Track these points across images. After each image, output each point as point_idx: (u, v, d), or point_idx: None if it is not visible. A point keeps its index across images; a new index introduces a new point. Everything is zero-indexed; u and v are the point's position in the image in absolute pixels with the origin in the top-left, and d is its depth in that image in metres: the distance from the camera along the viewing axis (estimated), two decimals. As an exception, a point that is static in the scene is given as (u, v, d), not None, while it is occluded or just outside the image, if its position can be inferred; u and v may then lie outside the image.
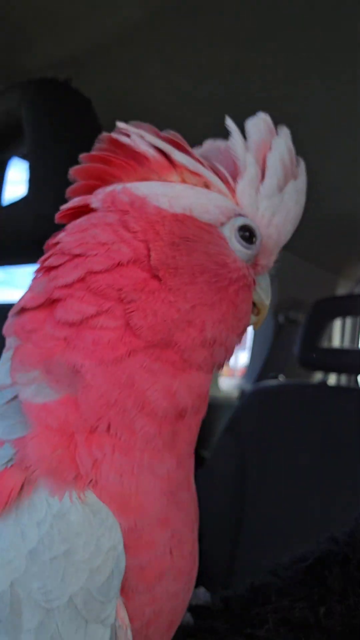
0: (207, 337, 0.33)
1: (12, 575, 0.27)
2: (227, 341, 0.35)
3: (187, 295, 0.32)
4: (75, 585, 0.27)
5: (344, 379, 1.93)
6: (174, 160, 0.35)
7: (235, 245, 0.35)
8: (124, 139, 0.36)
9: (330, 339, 1.96)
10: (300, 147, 0.42)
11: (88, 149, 0.83)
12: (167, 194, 0.34)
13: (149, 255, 0.32)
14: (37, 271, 0.36)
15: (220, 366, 0.35)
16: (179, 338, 0.32)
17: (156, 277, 0.32)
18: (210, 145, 0.39)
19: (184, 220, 0.33)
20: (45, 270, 0.35)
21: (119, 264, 0.32)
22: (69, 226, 0.36)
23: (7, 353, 0.35)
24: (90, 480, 0.30)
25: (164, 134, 0.37)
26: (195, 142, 1.37)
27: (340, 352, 1.62)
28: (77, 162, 0.81)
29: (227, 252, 0.34)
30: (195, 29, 0.94)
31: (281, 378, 1.65)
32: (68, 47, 1.03)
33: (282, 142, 0.37)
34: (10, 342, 0.34)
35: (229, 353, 0.36)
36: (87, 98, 0.83)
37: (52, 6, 0.93)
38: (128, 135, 0.36)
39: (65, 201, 0.78)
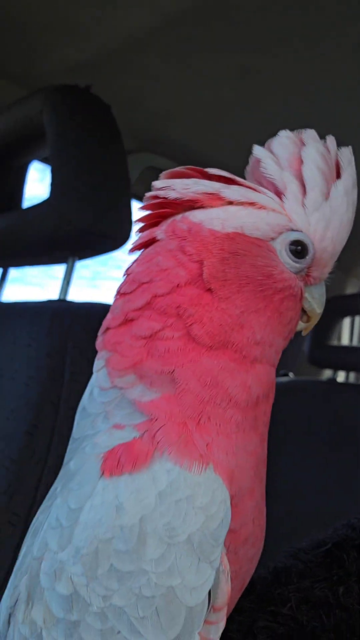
0: (257, 338, 0.37)
1: (142, 512, 0.32)
2: (274, 343, 0.38)
3: (237, 303, 0.37)
4: (193, 526, 0.32)
5: (352, 376, 1.95)
6: (223, 197, 0.38)
7: (285, 258, 0.38)
8: (170, 194, 0.39)
9: (339, 337, 1.98)
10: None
11: (107, 153, 0.86)
12: (220, 217, 0.37)
13: (202, 273, 0.37)
14: (116, 295, 0.41)
15: (274, 364, 0.39)
16: (235, 338, 0.37)
17: (209, 290, 0.37)
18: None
19: (234, 238, 0.37)
20: (121, 294, 0.40)
21: (177, 286, 0.37)
22: (139, 256, 0.41)
23: (99, 361, 0.41)
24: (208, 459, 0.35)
25: (209, 171, 0.39)
26: (209, 144, 1.39)
27: (349, 350, 1.64)
28: (97, 166, 0.84)
29: (275, 264, 0.38)
30: (207, 35, 0.96)
31: (291, 375, 1.67)
32: (84, 53, 1.06)
33: (312, 149, 0.38)
34: (102, 354, 0.40)
35: (278, 354, 0.39)
36: (107, 104, 0.85)
37: (68, 13, 0.96)
38: (173, 189, 0.39)
39: (86, 203, 0.82)
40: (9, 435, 0.75)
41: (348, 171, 0.39)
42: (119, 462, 0.34)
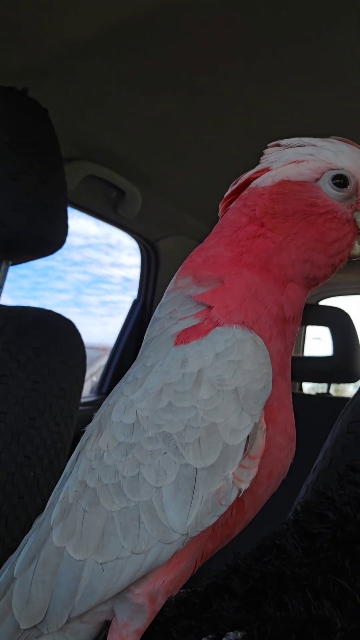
0: (293, 258, 0.48)
1: (201, 365, 0.42)
2: (314, 260, 0.48)
3: (281, 231, 0.48)
4: (241, 382, 0.41)
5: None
6: (271, 167, 0.51)
7: (329, 190, 0.49)
8: (238, 184, 0.53)
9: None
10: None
11: (44, 157, 0.85)
12: (270, 176, 0.50)
13: (256, 216, 0.49)
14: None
15: (315, 283, 0.50)
16: (276, 260, 0.48)
17: (262, 225, 0.48)
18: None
19: (281, 184, 0.49)
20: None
21: (239, 228, 0.49)
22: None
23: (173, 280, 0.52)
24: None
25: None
26: (151, 156, 1.38)
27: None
28: (32, 170, 0.83)
29: (317, 195, 0.48)
30: (153, 47, 0.97)
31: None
32: (26, 58, 1.04)
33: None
34: (177, 275, 0.52)
35: (320, 270, 0.49)
36: (44, 108, 0.85)
37: (11, 17, 0.95)
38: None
39: (20, 206, 0.81)
40: None
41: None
42: (188, 336, 0.44)
